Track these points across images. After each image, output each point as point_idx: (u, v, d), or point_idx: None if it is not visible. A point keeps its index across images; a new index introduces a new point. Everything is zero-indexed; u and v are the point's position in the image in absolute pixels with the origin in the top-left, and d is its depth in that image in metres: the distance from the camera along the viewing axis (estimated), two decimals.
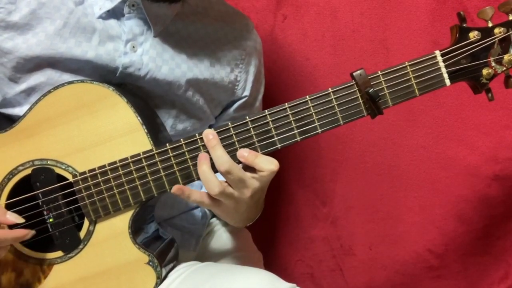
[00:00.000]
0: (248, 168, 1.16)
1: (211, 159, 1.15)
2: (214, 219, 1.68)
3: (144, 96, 1.32)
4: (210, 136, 1.15)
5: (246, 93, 1.50)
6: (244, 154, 1.15)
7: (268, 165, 1.14)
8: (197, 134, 1.16)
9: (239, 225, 1.28)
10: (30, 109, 1.20)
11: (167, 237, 1.36)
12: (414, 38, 1.80)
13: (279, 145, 1.17)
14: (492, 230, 1.90)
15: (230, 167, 1.12)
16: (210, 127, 1.50)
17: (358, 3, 1.83)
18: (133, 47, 1.28)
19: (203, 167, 1.14)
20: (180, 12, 1.35)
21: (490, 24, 1.17)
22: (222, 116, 1.53)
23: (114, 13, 1.28)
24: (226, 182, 1.15)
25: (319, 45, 1.89)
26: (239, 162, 1.16)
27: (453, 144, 1.86)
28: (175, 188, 1.14)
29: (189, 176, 1.18)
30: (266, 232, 2.08)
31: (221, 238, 1.65)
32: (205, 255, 1.59)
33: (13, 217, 1.15)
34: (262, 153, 1.17)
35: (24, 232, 1.13)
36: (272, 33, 1.93)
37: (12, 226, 1.16)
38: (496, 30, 1.17)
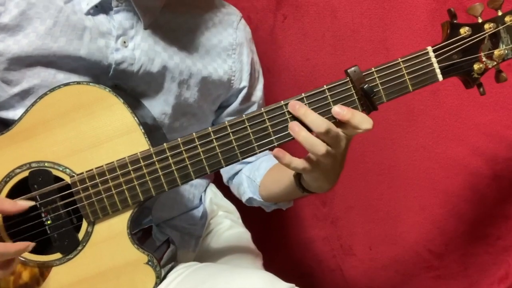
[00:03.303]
0: (340, 124, 1.15)
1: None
2: (213, 219, 1.69)
3: (138, 97, 1.33)
4: (296, 106, 1.14)
5: (244, 83, 1.51)
6: (340, 111, 1.14)
7: (365, 124, 1.13)
8: (194, 133, 1.16)
9: (331, 186, 1.25)
10: (26, 111, 1.19)
11: (162, 240, 1.37)
12: (414, 38, 1.80)
13: (275, 143, 1.17)
14: (492, 230, 1.90)
15: (329, 126, 1.11)
16: (212, 124, 1.51)
17: (358, 3, 1.83)
18: (124, 42, 1.28)
19: (302, 133, 1.13)
20: (168, 4, 1.35)
21: (480, 20, 1.19)
22: (228, 111, 1.55)
23: (103, 8, 1.28)
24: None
25: (319, 45, 1.89)
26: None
27: (453, 144, 1.86)
28: (276, 150, 1.14)
29: (188, 176, 1.18)
30: (266, 232, 2.08)
31: (221, 238, 1.65)
32: (205, 255, 1.59)
33: (25, 203, 1.15)
34: (259, 151, 1.17)
35: (25, 244, 1.11)
36: (272, 33, 1.93)
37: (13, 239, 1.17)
38: (486, 26, 1.18)
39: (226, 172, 1.63)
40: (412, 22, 1.80)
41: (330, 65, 1.89)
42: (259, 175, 1.50)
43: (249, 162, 1.57)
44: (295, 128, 1.13)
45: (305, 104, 1.15)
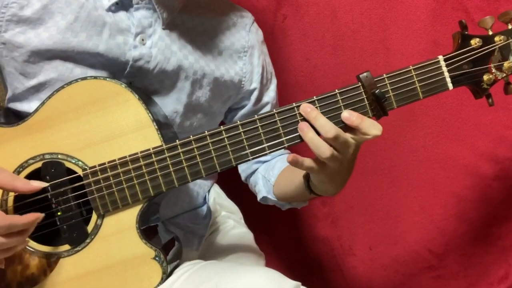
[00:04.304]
0: (349, 129, 1.16)
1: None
2: (218, 219, 1.69)
3: (150, 95, 1.33)
4: (308, 109, 1.15)
5: (255, 85, 1.53)
6: (350, 116, 1.15)
7: (373, 130, 1.13)
8: (206, 131, 1.17)
9: (337, 190, 1.26)
10: (42, 103, 1.20)
11: (168, 238, 1.37)
12: (414, 38, 1.81)
13: (286, 144, 1.19)
14: (492, 230, 1.91)
15: (338, 132, 1.12)
16: (221, 123, 1.51)
17: (358, 3, 1.83)
18: (142, 40, 1.30)
19: (310, 134, 1.14)
20: (185, 5, 1.37)
21: (490, 33, 1.21)
22: (242, 112, 1.56)
23: (123, 5, 1.29)
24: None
25: (319, 45, 1.90)
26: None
27: (453, 144, 1.87)
28: (290, 157, 1.16)
29: (198, 173, 1.19)
30: (267, 233, 2.08)
31: (224, 238, 1.66)
32: (209, 254, 1.60)
33: (38, 183, 1.14)
34: (269, 152, 1.18)
35: (35, 216, 1.09)
36: (272, 33, 1.93)
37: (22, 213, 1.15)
38: (497, 38, 1.20)
39: (243, 171, 1.65)
40: (412, 22, 1.80)
41: (330, 65, 1.89)
42: (273, 175, 1.51)
43: (265, 161, 1.59)
44: (303, 128, 1.15)
45: (317, 107, 1.16)
